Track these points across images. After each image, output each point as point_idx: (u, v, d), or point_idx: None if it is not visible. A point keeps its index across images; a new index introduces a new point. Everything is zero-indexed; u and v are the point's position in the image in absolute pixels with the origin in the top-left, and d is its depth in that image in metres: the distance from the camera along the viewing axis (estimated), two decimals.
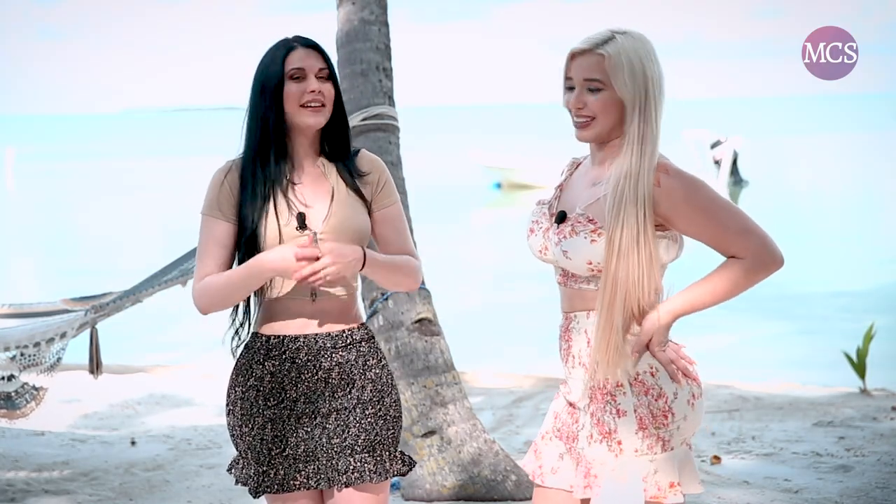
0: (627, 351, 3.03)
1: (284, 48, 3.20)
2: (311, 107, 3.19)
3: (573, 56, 3.10)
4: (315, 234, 3.16)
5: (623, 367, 3.03)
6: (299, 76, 3.19)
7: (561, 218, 3.10)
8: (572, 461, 3.15)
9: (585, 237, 3.04)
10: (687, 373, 3.07)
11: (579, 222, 3.06)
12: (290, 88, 3.19)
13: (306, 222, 3.18)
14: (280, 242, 3.17)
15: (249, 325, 3.31)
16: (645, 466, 3.05)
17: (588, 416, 3.09)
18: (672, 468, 3.07)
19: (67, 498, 5.79)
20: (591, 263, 3.04)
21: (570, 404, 3.18)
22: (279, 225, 3.18)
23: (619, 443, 3.04)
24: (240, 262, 3.23)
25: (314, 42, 3.24)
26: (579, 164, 3.26)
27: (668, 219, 3.04)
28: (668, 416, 3.04)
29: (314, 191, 3.23)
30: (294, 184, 3.23)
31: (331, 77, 3.23)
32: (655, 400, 3.04)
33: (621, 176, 3.02)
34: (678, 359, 3.06)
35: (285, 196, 3.21)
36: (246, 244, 3.20)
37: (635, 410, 3.03)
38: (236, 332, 3.32)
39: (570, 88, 3.12)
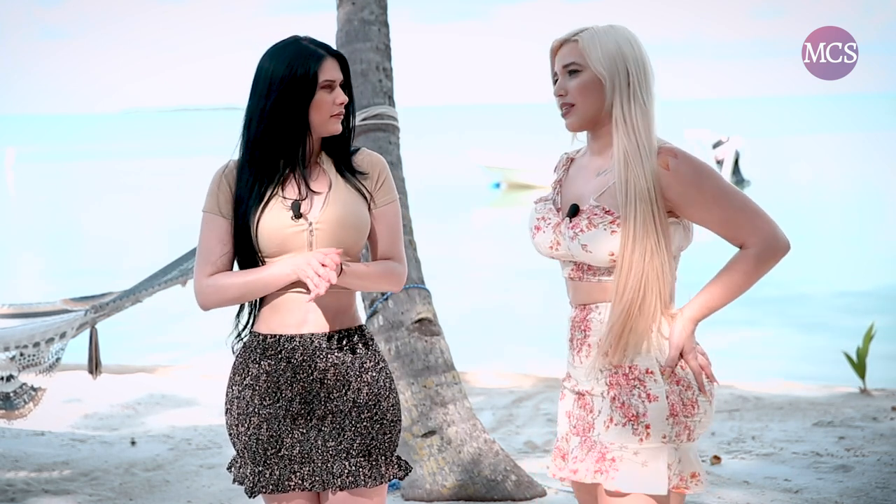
0: (644, 339, 3.02)
1: (315, 57, 3.19)
2: (336, 116, 3.22)
3: (554, 51, 3.17)
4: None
5: (628, 353, 3.03)
6: (331, 87, 3.21)
7: (574, 211, 3.08)
8: (583, 450, 3.11)
9: (605, 228, 3.02)
10: (711, 376, 3.08)
11: (595, 214, 3.04)
12: (323, 99, 3.20)
13: (301, 211, 3.18)
14: (277, 234, 3.17)
15: (253, 324, 3.31)
16: (671, 454, 3.04)
17: (607, 401, 3.06)
18: (693, 459, 3.08)
19: (67, 498, 5.79)
20: (612, 255, 3.03)
21: (580, 395, 3.14)
22: (276, 216, 3.18)
23: (647, 427, 3.02)
24: (238, 256, 3.23)
25: (340, 52, 3.27)
26: (573, 160, 3.25)
27: (677, 204, 3.04)
28: (695, 407, 3.05)
29: (312, 184, 3.24)
30: (292, 178, 3.23)
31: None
32: (685, 389, 3.04)
33: (622, 163, 3.02)
34: (707, 365, 3.07)
35: (282, 189, 3.22)
36: (242, 238, 3.21)
37: (667, 397, 3.02)
38: (240, 333, 3.32)
39: (556, 81, 3.17)
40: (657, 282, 3.01)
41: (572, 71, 3.11)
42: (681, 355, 3.04)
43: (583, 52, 3.09)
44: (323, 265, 3.08)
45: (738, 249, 3.08)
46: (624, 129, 3.04)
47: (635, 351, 3.04)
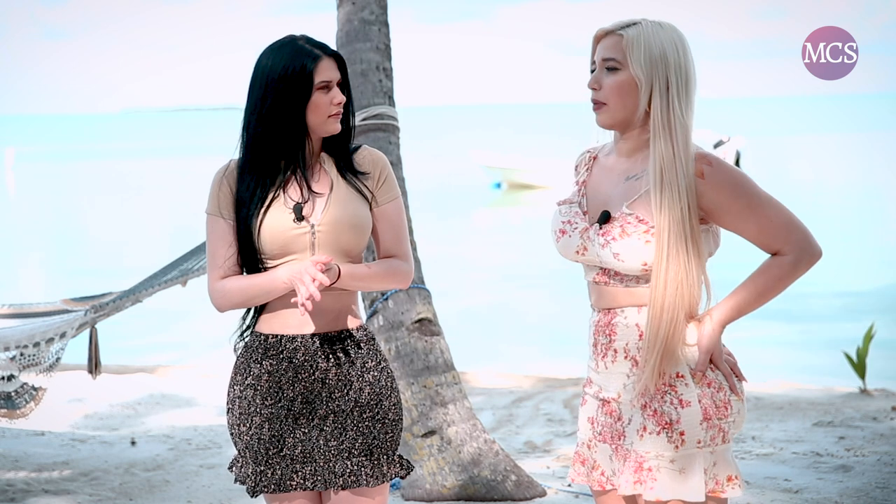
0: (678, 353, 2.98)
1: (311, 57, 3.18)
2: (334, 116, 3.21)
3: (597, 40, 3.08)
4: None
5: (668, 370, 2.98)
6: (327, 87, 3.20)
7: (605, 218, 3.03)
8: (619, 460, 3.07)
9: (639, 238, 2.97)
10: (740, 375, 3.06)
11: (629, 223, 2.98)
12: (320, 100, 3.18)
13: (303, 213, 3.18)
14: (280, 236, 3.18)
15: (256, 324, 3.31)
16: (707, 458, 3.00)
17: (638, 410, 3.02)
18: (729, 461, 3.03)
19: (67, 498, 5.79)
20: (646, 265, 2.97)
21: (605, 402, 3.10)
22: (278, 218, 3.18)
23: (682, 434, 2.97)
24: (242, 258, 3.23)
25: (337, 52, 3.25)
26: (596, 157, 3.17)
27: (711, 212, 2.99)
28: (728, 408, 3.00)
29: (314, 185, 3.23)
30: (293, 179, 3.23)
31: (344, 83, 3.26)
32: (717, 391, 3.00)
33: (658, 170, 2.96)
34: (735, 365, 3.05)
35: (284, 191, 3.22)
36: (244, 240, 3.21)
37: (700, 401, 2.98)
38: (242, 332, 3.32)
39: (593, 71, 3.08)
40: (688, 301, 2.97)
41: (611, 67, 3.02)
42: (710, 359, 3.01)
43: (625, 50, 2.99)
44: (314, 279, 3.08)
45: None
46: (662, 139, 2.97)
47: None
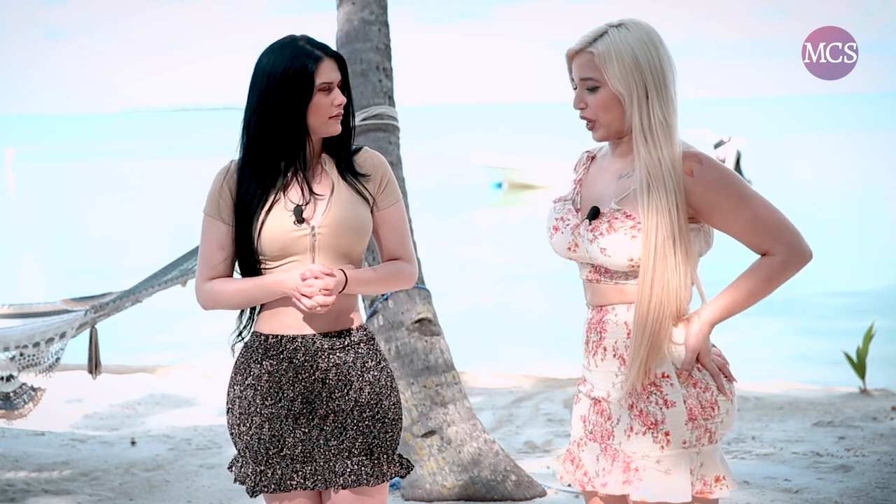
0: (664, 352, 2.99)
1: (312, 59, 3.17)
2: (335, 117, 3.21)
3: (570, 57, 3.10)
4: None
5: (654, 369, 2.99)
6: (328, 88, 3.20)
7: (594, 214, 3.04)
8: (607, 459, 3.07)
9: (625, 234, 2.98)
10: (730, 376, 3.06)
11: (616, 218, 3.00)
12: (321, 101, 3.18)
13: (304, 216, 3.18)
14: (280, 238, 3.17)
15: (254, 324, 3.31)
16: (693, 459, 3.00)
17: (626, 409, 3.03)
18: (717, 461, 3.03)
19: (67, 498, 5.79)
20: (632, 260, 2.98)
21: (596, 401, 3.11)
22: (278, 220, 3.18)
23: (667, 434, 2.98)
24: (239, 259, 3.24)
25: (338, 53, 3.25)
26: (594, 157, 3.20)
27: (701, 210, 3.00)
28: (715, 409, 3.01)
29: (315, 187, 3.23)
30: (294, 181, 3.23)
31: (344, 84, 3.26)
32: (703, 392, 3.00)
33: (644, 175, 2.97)
34: (724, 365, 3.05)
35: (285, 193, 3.22)
36: (242, 242, 3.21)
37: (685, 401, 2.98)
38: (240, 332, 3.32)
39: (575, 88, 3.11)
40: (676, 300, 2.98)
41: (591, 87, 3.05)
42: (697, 358, 3.01)
43: (599, 67, 3.01)
44: (320, 296, 3.10)
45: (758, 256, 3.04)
46: (644, 145, 2.99)
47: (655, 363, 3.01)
